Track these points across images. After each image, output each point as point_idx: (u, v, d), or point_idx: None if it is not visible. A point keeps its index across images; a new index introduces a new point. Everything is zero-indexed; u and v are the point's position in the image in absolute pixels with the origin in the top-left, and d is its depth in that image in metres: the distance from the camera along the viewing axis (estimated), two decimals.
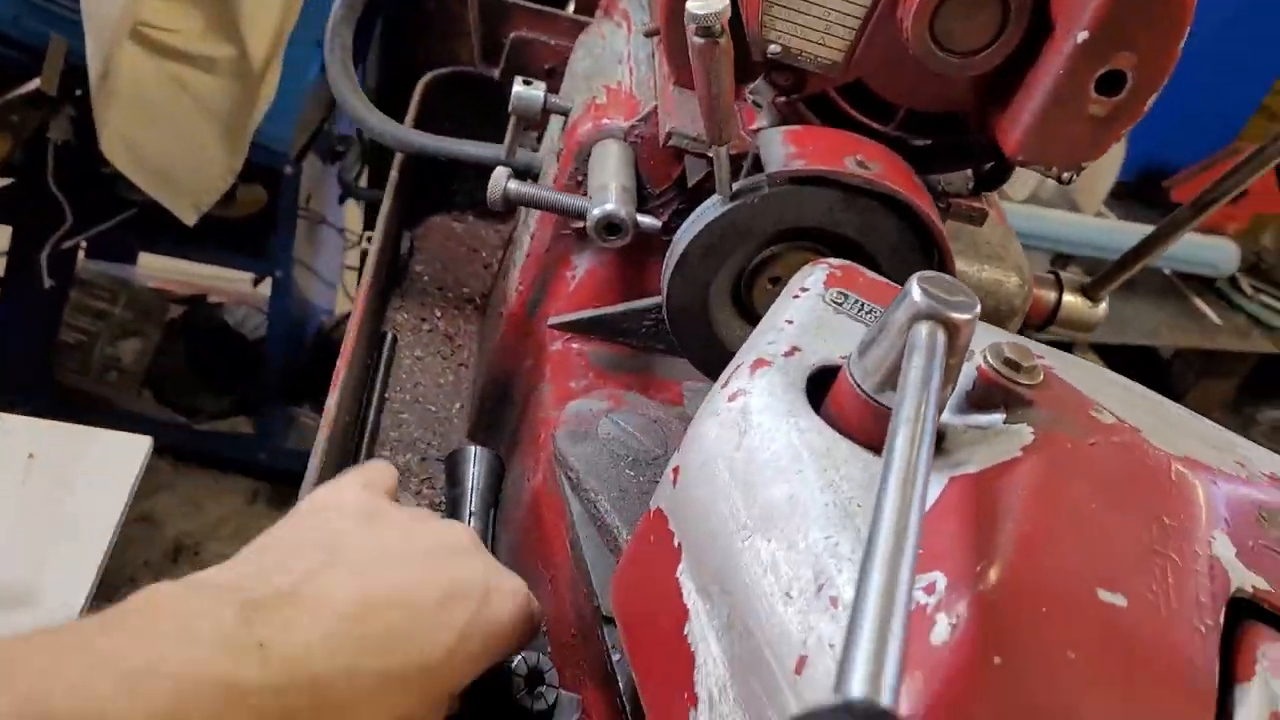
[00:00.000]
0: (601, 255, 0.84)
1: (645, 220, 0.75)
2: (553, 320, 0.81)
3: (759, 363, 0.54)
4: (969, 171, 0.78)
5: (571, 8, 1.26)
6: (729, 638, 0.49)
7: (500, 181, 0.75)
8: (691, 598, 0.52)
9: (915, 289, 0.47)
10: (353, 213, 2.38)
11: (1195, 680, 0.41)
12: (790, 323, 0.57)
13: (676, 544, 0.53)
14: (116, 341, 2.44)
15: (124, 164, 1.90)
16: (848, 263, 0.62)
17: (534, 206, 0.77)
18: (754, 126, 0.73)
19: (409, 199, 1.04)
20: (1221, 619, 0.44)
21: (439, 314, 1.06)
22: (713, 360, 0.75)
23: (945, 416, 0.52)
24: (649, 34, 0.82)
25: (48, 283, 2.17)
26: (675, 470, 0.54)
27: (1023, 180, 1.95)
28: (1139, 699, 0.41)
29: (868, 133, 0.72)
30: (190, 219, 1.98)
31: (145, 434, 2.36)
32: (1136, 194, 2.12)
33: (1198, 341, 2.03)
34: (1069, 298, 0.97)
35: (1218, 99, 2.02)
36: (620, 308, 0.79)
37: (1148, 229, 0.92)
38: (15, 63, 1.96)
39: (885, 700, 0.27)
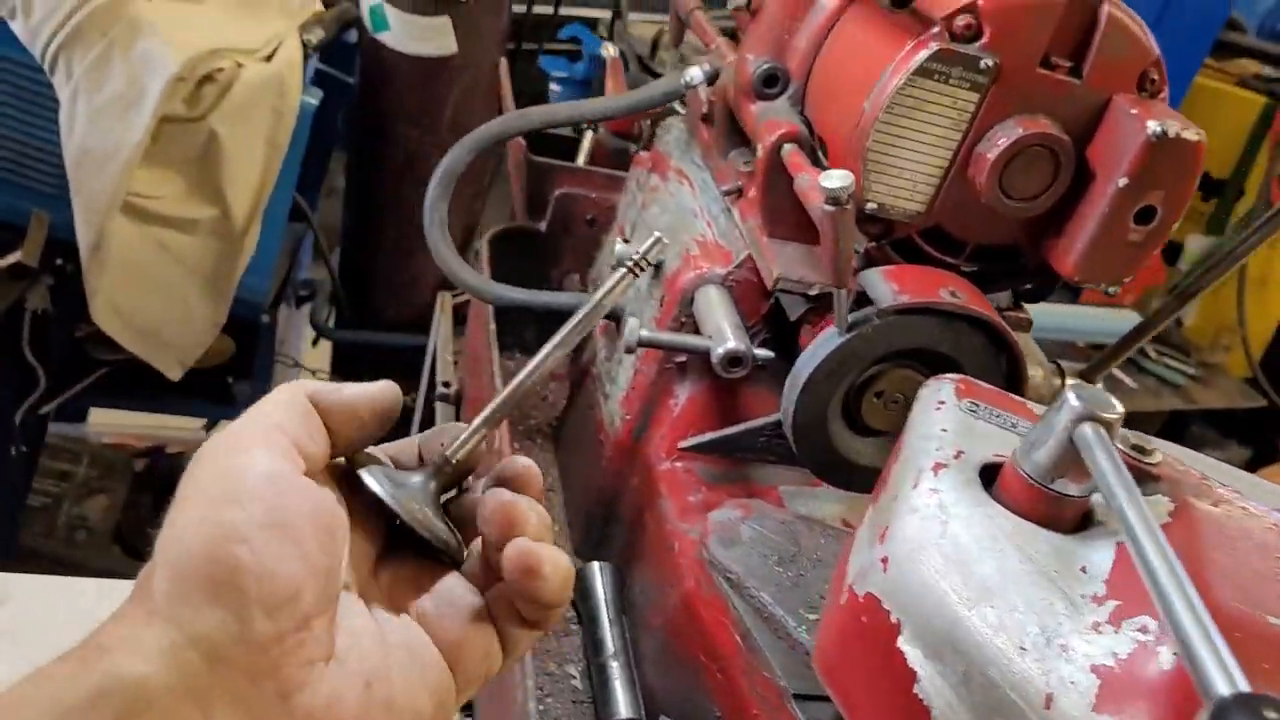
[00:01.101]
0: (699, 384, 0.96)
1: (760, 353, 0.88)
2: (684, 444, 0.93)
3: (938, 465, 0.67)
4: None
5: (582, 159, 1.40)
6: (968, 690, 0.61)
7: (635, 330, 0.87)
8: (919, 662, 0.64)
9: (1073, 398, 0.61)
10: (312, 352, 2.45)
11: None
12: (945, 430, 0.70)
13: (895, 620, 0.65)
14: (82, 501, 2.43)
15: (113, 329, 1.94)
16: (964, 377, 0.76)
17: (662, 348, 0.90)
18: None
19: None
20: None
21: (516, 446, 1.16)
22: (828, 466, 0.88)
23: (1093, 497, 0.66)
24: (729, 193, 0.96)
25: (20, 449, 2.17)
26: (884, 560, 0.66)
27: None
28: None
29: (941, 265, 0.87)
30: (176, 375, 2.03)
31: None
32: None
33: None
34: (1071, 383, 1.12)
35: None
36: (740, 428, 0.91)
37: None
38: None
39: (1243, 687, 0.40)
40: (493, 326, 1.05)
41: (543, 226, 1.24)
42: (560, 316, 1.14)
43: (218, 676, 0.42)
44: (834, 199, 0.74)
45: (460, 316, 1.43)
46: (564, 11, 2.23)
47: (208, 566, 0.43)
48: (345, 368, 2.30)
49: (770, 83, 0.89)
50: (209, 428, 2.68)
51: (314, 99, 1.96)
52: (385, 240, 2.15)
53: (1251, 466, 2.60)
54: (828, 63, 0.87)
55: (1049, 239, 0.85)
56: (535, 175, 1.22)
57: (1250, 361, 2.52)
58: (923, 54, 0.77)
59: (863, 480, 0.89)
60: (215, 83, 1.87)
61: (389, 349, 2.25)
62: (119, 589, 1.36)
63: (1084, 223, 0.81)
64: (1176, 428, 2.75)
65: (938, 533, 0.64)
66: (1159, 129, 0.76)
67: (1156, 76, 0.81)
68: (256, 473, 0.46)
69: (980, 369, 0.85)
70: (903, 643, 0.65)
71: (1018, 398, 0.76)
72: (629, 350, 0.88)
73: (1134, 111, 0.78)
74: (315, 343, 2.30)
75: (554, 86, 2.37)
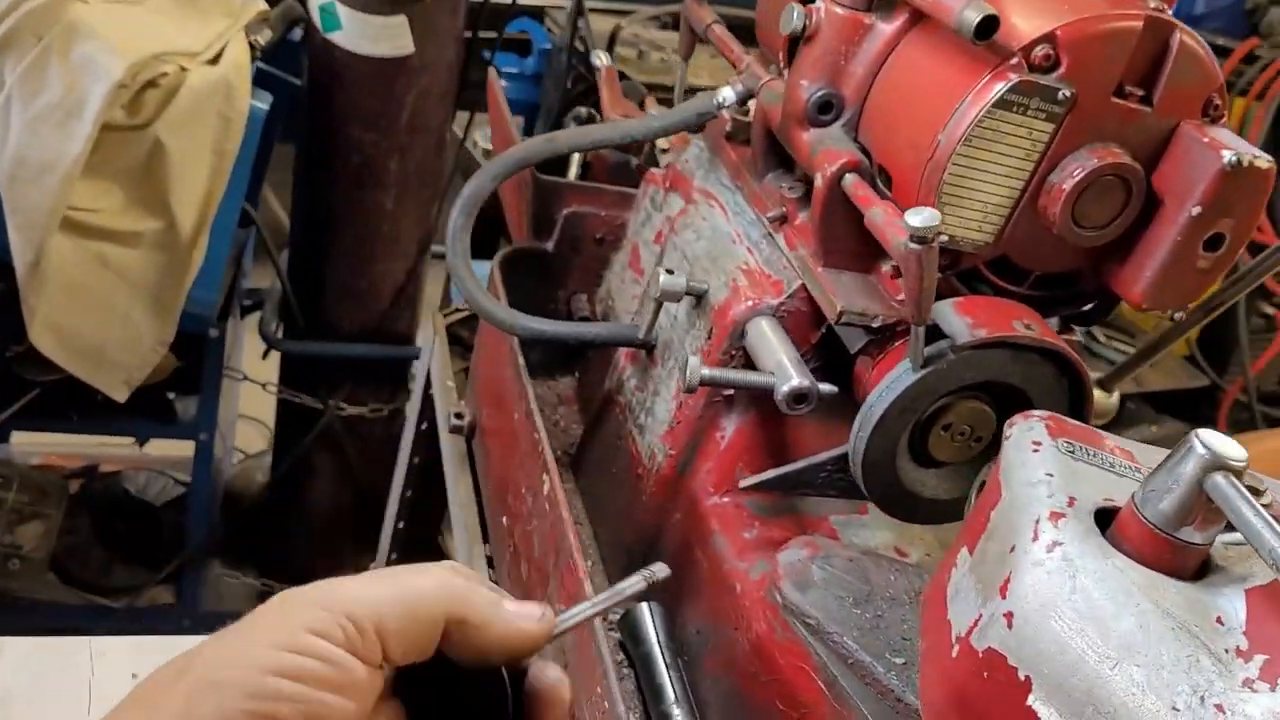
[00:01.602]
0: (745, 416, 0.94)
1: (825, 388, 0.85)
2: (745, 483, 0.90)
3: (1055, 515, 0.66)
4: None
5: (573, 172, 1.36)
6: None
7: (697, 370, 0.84)
8: None
9: (1200, 447, 0.60)
10: (260, 365, 2.35)
11: None
12: (1051, 475, 0.69)
13: (1023, 677, 0.64)
14: (14, 528, 2.30)
15: (53, 350, 1.84)
16: (1052, 414, 0.75)
17: (724, 387, 0.87)
18: (901, 298, 0.86)
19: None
20: None
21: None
22: (894, 500, 0.86)
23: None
24: (774, 220, 0.93)
25: None
26: (1008, 615, 0.65)
27: None
28: None
29: (1004, 294, 0.86)
30: (122, 396, 1.93)
31: (59, 621, 2.23)
32: None
33: None
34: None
35: None
36: (802, 464, 0.89)
37: None
38: None
39: None
40: (521, 360, 1.01)
41: (550, 246, 1.20)
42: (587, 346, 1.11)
43: None
44: (920, 238, 0.72)
45: (453, 336, 1.38)
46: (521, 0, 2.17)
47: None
48: (296, 380, 2.22)
49: (825, 109, 0.86)
50: (142, 444, 2.56)
51: (264, 103, 1.87)
52: (340, 246, 2.07)
53: None
54: (886, 88, 0.85)
55: (1113, 266, 0.84)
56: (542, 193, 1.17)
57: (1188, 341, 2.60)
58: (1002, 86, 0.76)
59: (927, 512, 0.88)
60: (159, 88, 1.77)
61: (344, 360, 2.17)
62: (113, 648, 1.29)
63: (1153, 250, 0.81)
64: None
65: (1067, 588, 0.63)
66: (1233, 158, 0.76)
67: (1220, 102, 0.81)
68: (314, 656, 0.46)
69: (1048, 398, 0.84)
70: (1034, 701, 0.64)
71: (1103, 433, 0.76)
72: (690, 390, 0.85)
73: (1205, 139, 0.78)
74: (265, 355, 2.21)
75: (503, 82, 2.31)
